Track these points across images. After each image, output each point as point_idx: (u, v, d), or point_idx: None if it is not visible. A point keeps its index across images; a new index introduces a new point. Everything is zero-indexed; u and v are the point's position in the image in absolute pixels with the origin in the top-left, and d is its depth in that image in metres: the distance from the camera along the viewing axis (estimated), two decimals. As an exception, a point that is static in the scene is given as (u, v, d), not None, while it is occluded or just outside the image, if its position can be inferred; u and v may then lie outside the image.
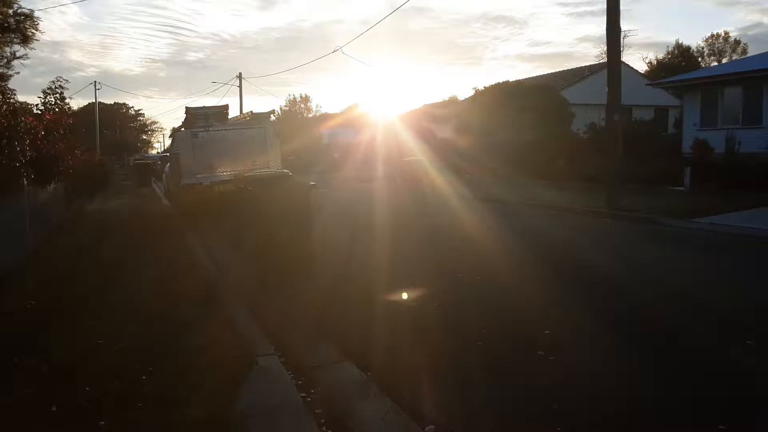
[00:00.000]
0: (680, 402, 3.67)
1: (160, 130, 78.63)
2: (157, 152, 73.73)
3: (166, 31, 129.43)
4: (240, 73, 50.34)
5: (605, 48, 14.52)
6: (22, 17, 19.88)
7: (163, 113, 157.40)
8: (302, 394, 3.80)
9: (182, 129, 14.40)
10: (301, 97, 58.77)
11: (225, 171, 12.88)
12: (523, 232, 10.70)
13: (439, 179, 19.73)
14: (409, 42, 76.34)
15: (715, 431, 3.25)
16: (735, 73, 20.13)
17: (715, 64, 50.60)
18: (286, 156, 18.55)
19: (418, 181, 19.91)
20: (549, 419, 3.42)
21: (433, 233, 10.63)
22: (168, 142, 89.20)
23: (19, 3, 19.94)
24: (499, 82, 29.50)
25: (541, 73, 39.05)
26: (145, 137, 77.48)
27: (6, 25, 19.47)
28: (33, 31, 20.10)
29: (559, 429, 3.29)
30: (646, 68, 49.30)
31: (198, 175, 12.79)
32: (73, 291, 6.48)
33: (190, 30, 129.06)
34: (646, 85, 26.54)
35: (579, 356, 4.44)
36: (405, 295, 6.33)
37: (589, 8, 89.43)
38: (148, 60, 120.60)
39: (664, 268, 7.65)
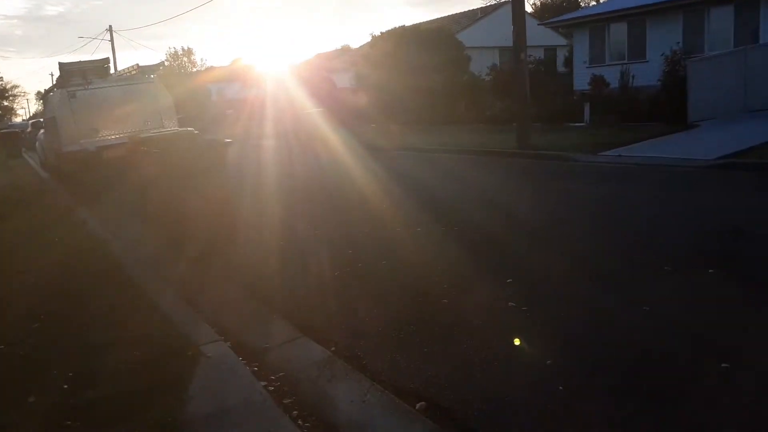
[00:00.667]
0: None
1: (23, 94, 70.51)
2: (23, 119, 66.23)
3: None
4: (110, 26, 45.74)
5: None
6: None
7: (25, 75, 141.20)
8: (263, 383, 3.30)
9: (56, 89, 12.60)
10: (183, 50, 54.76)
11: (113, 134, 11.51)
12: (445, 176, 10.54)
13: (341, 131, 19.06)
14: None
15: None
16: (620, 9, 20.92)
17: (594, 3, 52.96)
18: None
19: (322, 135, 19.17)
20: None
21: (356, 186, 10.18)
22: (35, 107, 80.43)
23: None
24: (395, 27, 28.84)
25: (435, 17, 38.78)
26: (6, 104, 69.18)
27: None
28: None
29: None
30: (531, 10, 50.65)
31: (82, 141, 11.33)
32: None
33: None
34: (538, 25, 27.09)
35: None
36: (338, 255, 5.89)
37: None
38: (1, 17, 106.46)
39: (592, 201, 7.80)
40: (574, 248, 5.64)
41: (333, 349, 3.75)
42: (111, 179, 10.46)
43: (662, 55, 16.79)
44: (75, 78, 11.35)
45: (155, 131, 9.14)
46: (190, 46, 57.76)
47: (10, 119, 62.39)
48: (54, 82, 13.06)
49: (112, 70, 12.26)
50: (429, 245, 6.09)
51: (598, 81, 17.80)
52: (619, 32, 20.77)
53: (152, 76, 11.96)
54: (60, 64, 11.41)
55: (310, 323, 4.17)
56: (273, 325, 4.28)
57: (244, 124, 26.21)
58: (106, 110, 11.42)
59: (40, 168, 17.80)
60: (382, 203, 8.40)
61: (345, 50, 38.98)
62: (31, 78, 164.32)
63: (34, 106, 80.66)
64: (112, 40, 45.40)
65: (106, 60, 11.96)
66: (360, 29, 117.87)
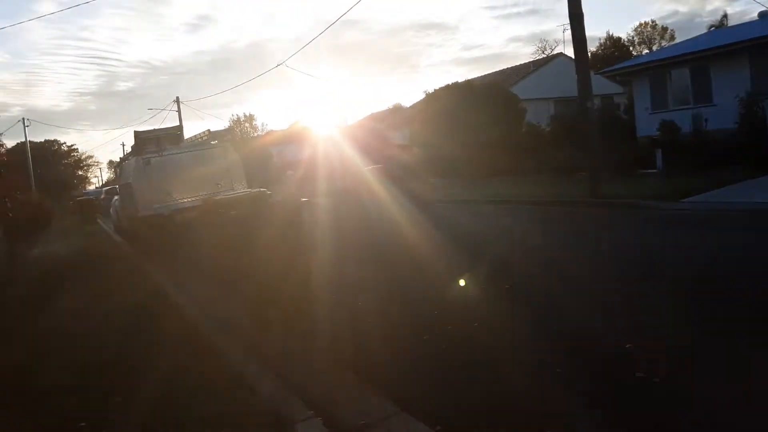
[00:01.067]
0: None
1: (96, 164, 75.16)
2: (95, 187, 70.22)
3: (92, 63, 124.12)
4: (177, 97, 48.26)
5: (539, 45, 14.31)
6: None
7: (98, 146, 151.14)
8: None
9: (131, 157, 13.14)
10: (245, 116, 57.30)
11: (186, 197, 11.78)
12: (525, 231, 10.10)
13: (395, 187, 18.88)
14: (345, 55, 75.68)
15: None
16: (681, 54, 20.42)
17: (647, 51, 52.41)
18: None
19: (377, 192, 19.08)
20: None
21: (432, 243, 9.85)
22: (107, 175, 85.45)
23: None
24: (449, 84, 29.17)
25: (486, 73, 39.18)
26: (81, 173, 73.80)
27: None
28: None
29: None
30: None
31: (156, 205, 11.63)
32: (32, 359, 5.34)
33: (118, 60, 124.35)
34: (596, 74, 26.77)
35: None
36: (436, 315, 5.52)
37: (515, 10, 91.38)
38: (75, 94, 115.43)
39: (684, 249, 7.17)
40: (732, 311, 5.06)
41: (438, 428, 3.37)
42: (185, 241, 10.62)
43: (736, 97, 16.07)
44: (149, 145, 11.78)
45: (230, 193, 9.22)
46: (251, 112, 60.42)
47: (85, 187, 66.30)
48: (129, 150, 13.66)
49: (185, 136, 12.72)
50: (524, 309, 5.65)
51: (668, 126, 17.15)
52: (681, 77, 20.19)
53: (221, 141, 12.29)
54: (135, 132, 11.90)
55: (406, 395, 3.81)
56: (366, 398, 3.93)
57: (303, 183, 26.64)
58: (180, 175, 11.73)
59: (113, 232, 18.50)
60: (468, 260, 7.96)
61: (396, 109, 39.66)
62: (104, 148, 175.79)
63: (106, 174, 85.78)
64: (179, 111, 47.86)
65: (179, 128, 12.48)
66: (410, 88, 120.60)
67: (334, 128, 38.40)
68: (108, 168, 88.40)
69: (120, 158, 14.83)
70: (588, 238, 9.23)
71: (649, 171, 15.98)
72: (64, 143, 69.22)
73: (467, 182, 19.54)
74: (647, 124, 19.92)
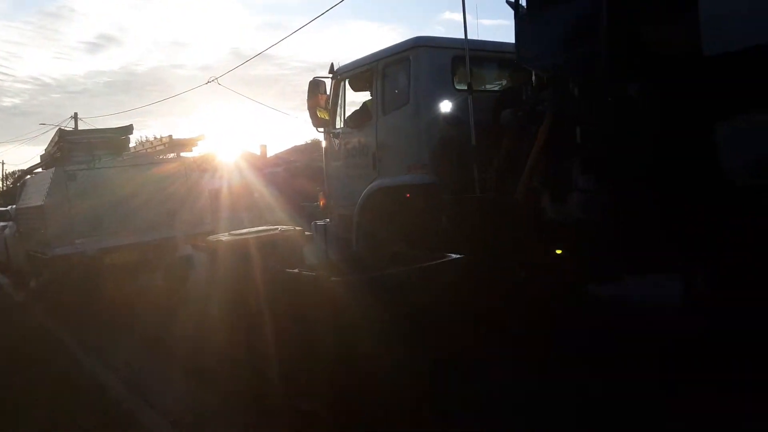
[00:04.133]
0: None
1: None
2: (-36, 211, 60.45)
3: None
4: (75, 113, 42.55)
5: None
6: None
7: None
8: None
9: (43, 169, 9.34)
10: (158, 138, 51.47)
11: (123, 230, 8.28)
12: None
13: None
14: (257, 87, 72.32)
15: None
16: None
17: None
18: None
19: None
20: None
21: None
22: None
23: None
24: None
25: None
26: (-51, 194, 63.66)
27: None
28: None
29: None
30: None
31: (78, 240, 8.01)
32: None
33: (5, 74, 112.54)
34: None
35: None
36: None
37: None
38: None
39: None
40: None
41: None
42: (117, 295, 7.11)
43: None
44: (78, 152, 8.21)
45: (264, 229, 5.99)
46: (169, 133, 54.93)
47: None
48: (41, 159, 9.77)
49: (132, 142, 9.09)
50: None
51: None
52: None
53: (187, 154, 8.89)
54: (60, 131, 8.31)
55: None
56: None
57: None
58: (118, 197, 8.24)
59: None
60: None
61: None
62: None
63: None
64: (76, 128, 42.02)
65: (128, 129, 8.81)
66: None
67: (249, 157, 34.74)
68: (16, 180, 77.42)
69: (21, 171, 10.65)
70: None
71: None
72: (-72, 159, 59.48)
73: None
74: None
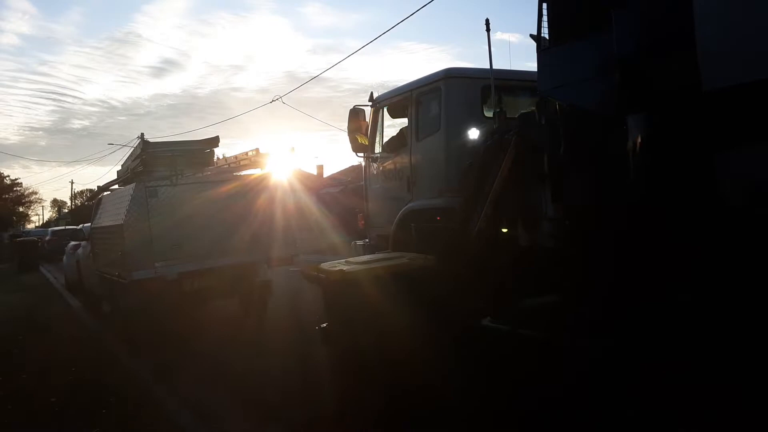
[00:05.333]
0: None
1: (38, 201, 67.85)
2: (35, 226, 62.74)
3: (48, 98, 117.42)
4: (142, 134, 43.49)
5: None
6: None
7: (43, 182, 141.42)
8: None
9: (122, 184, 8.70)
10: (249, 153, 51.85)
11: (206, 252, 7.51)
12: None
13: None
14: (310, 109, 73.42)
15: None
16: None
17: None
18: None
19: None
20: None
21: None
22: (49, 214, 77.83)
23: None
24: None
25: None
26: (21, 209, 66.45)
27: None
28: None
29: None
30: None
31: (159, 263, 7.26)
32: None
33: (76, 97, 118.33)
34: None
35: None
36: None
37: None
38: (27, 128, 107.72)
39: None
40: None
41: None
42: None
43: None
44: (159, 165, 7.47)
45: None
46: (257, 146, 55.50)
47: (23, 225, 59.33)
48: (118, 175, 9.14)
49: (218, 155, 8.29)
50: None
51: None
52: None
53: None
54: (144, 142, 7.60)
55: None
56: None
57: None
58: (203, 216, 7.46)
59: (64, 289, 13.56)
60: None
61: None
62: (47, 186, 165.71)
63: (48, 213, 78.28)
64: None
65: (214, 141, 8.03)
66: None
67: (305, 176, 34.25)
68: (51, 207, 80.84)
69: (98, 187, 10.03)
70: None
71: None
72: (8, 176, 62.29)
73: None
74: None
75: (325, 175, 34.64)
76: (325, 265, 4.51)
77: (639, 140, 4.07)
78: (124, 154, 11.36)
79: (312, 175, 32.58)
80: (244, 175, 8.16)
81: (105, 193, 9.36)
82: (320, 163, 33.23)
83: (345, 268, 4.18)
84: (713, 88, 3.55)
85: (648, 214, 4.00)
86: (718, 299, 3.60)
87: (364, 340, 4.06)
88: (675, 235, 3.83)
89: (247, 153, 7.90)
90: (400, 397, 4.01)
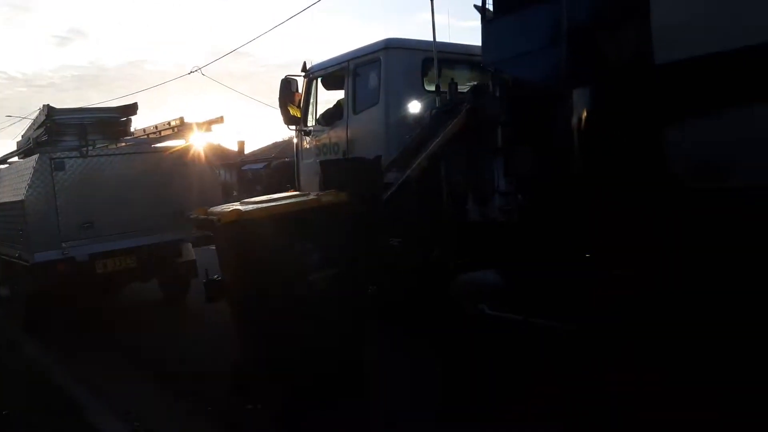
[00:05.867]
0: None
1: None
2: None
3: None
4: (47, 105, 40.07)
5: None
6: None
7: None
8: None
9: (23, 156, 7.77)
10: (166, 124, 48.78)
11: (121, 232, 6.89)
12: None
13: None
14: (230, 83, 70.57)
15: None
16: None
17: None
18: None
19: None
20: None
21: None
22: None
23: None
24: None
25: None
26: None
27: None
28: None
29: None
30: None
31: (66, 243, 6.56)
32: None
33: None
34: None
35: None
36: None
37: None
38: None
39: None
40: None
41: None
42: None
43: None
44: (68, 135, 6.69)
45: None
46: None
47: None
48: (18, 146, 8.13)
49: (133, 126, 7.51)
50: None
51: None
52: None
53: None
54: (49, 109, 6.77)
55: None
56: None
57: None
58: (115, 193, 6.81)
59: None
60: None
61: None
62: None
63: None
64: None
65: (130, 107, 7.23)
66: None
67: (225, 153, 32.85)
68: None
69: None
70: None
71: None
72: None
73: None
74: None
75: (246, 152, 33.40)
76: (217, 208, 4.05)
77: (585, 115, 3.97)
78: (24, 126, 10.20)
79: (233, 151, 31.31)
80: (165, 146, 7.49)
81: (2, 167, 8.36)
82: (241, 139, 31.85)
83: (242, 208, 3.76)
84: (667, 61, 3.45)
85: (595, 190, 3.92)
86: (665, 275, 3.56)
87: (264, 288, 3.68)
88: (623, 211, 3.76)
89: (169, 122, 7.22)
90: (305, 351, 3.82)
